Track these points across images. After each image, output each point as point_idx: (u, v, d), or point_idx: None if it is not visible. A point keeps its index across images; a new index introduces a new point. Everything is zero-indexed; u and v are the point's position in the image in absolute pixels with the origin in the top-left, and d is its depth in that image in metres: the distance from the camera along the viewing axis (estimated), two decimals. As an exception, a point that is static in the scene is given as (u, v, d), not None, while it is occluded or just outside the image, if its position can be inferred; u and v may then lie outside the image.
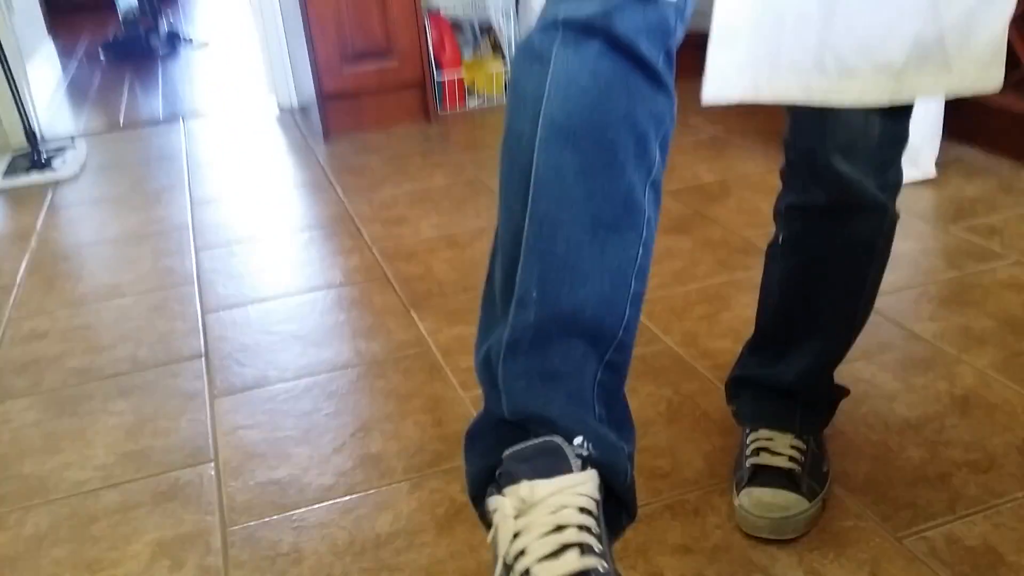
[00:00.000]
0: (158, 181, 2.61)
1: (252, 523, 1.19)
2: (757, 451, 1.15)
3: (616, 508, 0.75)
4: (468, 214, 2.20)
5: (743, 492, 1.11)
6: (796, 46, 0.86)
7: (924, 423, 1.28)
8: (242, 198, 2.43)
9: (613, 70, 0.70)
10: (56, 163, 2.75)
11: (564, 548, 0.65)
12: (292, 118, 3.18)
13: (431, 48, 2.94)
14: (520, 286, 0.72)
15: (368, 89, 2.87)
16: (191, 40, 4.65)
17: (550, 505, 0.67)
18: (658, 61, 0.72)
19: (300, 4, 2.69)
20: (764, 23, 0.85)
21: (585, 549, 0.65)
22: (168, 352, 1.65)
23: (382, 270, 1.93)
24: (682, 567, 1.06)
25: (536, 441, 0.70)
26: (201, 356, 1.63)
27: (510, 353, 0.72)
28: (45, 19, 4.37)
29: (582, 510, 0.67)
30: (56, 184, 2.65)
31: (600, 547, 0.67)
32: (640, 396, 1.40)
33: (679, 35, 0.75)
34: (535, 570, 0.65)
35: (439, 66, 2.99)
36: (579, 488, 0.68)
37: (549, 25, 0.72)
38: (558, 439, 0.70)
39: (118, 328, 1.76)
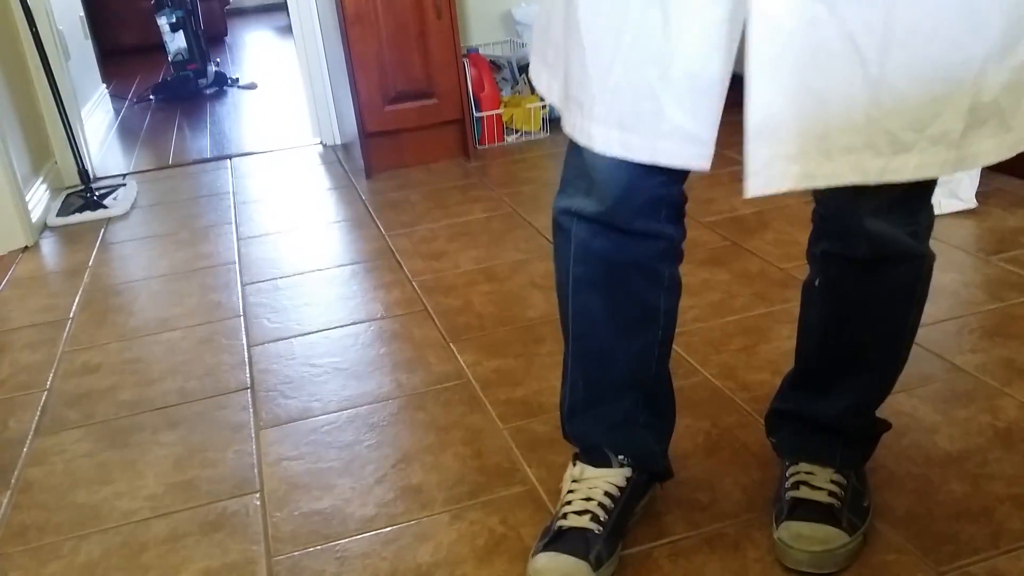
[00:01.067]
0: (206, 218, 2.69)
1: (296, 553, 1.22)
2: (797, 484, 1.15)
3: (652, 478, 1.21)
4: (507, 247, 2.23)
5: (782, 525, 1.11)
6: (846, 129, 0.82)
7: (966, 456, 1.27)
8: (287, 234, 2.49)
9: (616, 241, 1.03)
10: (108, 201, 2.85)
11: (585, 512, 1.12)
12: (335, 155, 3.26)
13: (470, 87, 3.00)
14: (570, 377, 1.16)
15: (409, 127, 2.93)
16: (238, 81, 4.78)
17: (590, 483, 1.15)
18: (653, 227, 1.03)
19: (343, 47, 2.77)
20: (807, 111, 0.82)
21: (594, 517, 1.11)
22: (216, 384, 1.69)
23: (422, 303, 1.96)
24: (721, 600, 1.06)
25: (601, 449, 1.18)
26: (247, 388, 1.67)
27: (569, 417, 1.19)
28: (99, 63, 4.53)
29: (606, 493, 1.14)
30: (108, 221, 2.74)
31: (605, 517, 1.11)
32: (678, 429, 1.40)
33: (676, 190, 1.02)
34: (567, 514, 1.13)
35: (478, 104, 3.05)
36: (610, 479, 1.15)
37: (567, 210, 1.06)
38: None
39: (167, 361, 1.81)
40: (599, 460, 1.16)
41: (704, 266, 1.99)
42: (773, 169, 0.84)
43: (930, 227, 1.04)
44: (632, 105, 0.88)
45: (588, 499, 1.13)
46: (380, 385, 1.64)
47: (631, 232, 1.01)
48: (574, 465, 1.18)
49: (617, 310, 1.07)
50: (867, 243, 1.01)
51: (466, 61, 2.98)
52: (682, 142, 0.88)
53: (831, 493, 1.12)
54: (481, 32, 3.32)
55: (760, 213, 2.26)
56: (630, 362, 1.11)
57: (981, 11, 0.78)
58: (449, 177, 2.85)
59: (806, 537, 1.08)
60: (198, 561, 1.22)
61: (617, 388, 1.13)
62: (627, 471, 1.15)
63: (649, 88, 0.86)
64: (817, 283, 1.12)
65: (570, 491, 1.16)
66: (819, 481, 1.14)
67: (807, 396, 1.18)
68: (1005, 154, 0.85)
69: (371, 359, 1.74)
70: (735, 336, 1.67)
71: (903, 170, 0.84)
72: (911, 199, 0.99)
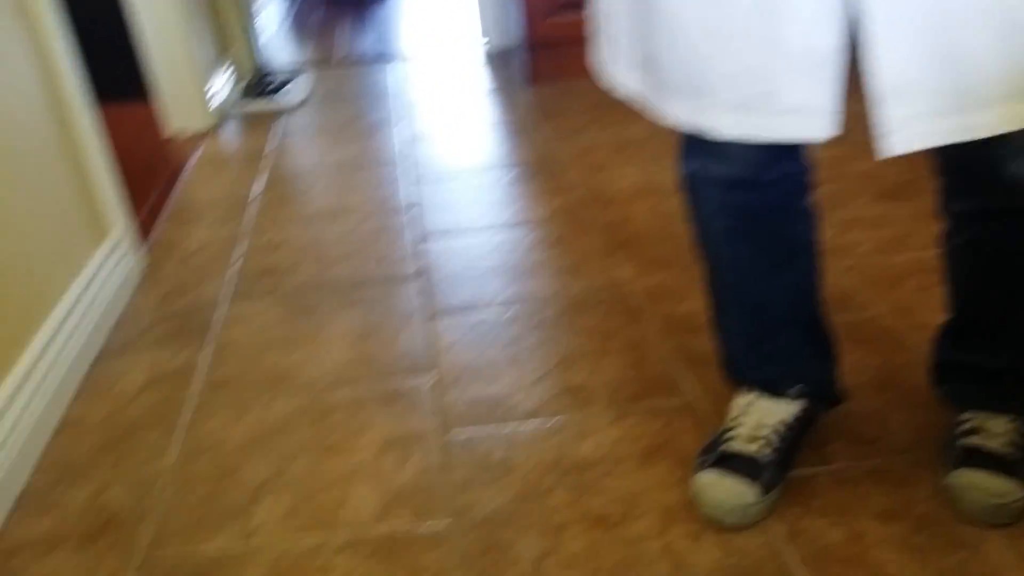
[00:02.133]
0: (375, 114, 2.78)
1: (468, 431, 1.30)
2: (971, 431, 1.12)
3: (824, 404, 1.22)
4: (667, 166, 2.20)
5: (954, 473, 1.09)
6: (986, 81, 0.81)
7: None
8: (451, 136, 2.55)
9: (750, 193, 1.06)
10: (284, 92, 2.98)
11: (755, 439, 1.15)
12: (500, 59, 3.28)
13: None
14: (730, 324, 1.20)
15: (575, 38, 2.90)
16: (403, -19, 4.82)
17: (762, 413, 1.17)
18: (781, 173, 1.06)
19: (520, -50, 2.75)
20: (943, 68, 0.81)
21: (765, 444, 1.14)
22: (389, 271, 1.79)
23: (583, 213, 1.99)
24: (886, 532, 1.07)
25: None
26: (419, 277, 1.76)
27: (734, 361, 1.22)
28: (274, -44, 4.65)
29: (780, 422, 1.16)
30: (284, 111, 2.87)
31: (778, 445, 1.14)
32: (847, 362, 1.39)
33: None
34: (736, 437, 1.16)
35: (648, 17, 2.99)
36: (784, 410, 1.17)
37: (695, 174, 1.10)
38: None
39: (343, 246, 1.92)
40: (773, 392, 1.18)
41: (880, 200, 1.92)
42: (914, 127, 0.83)
43: None
44: (752, 87, 0.88)
45: (760, 426, 1.15)
46: (543, 287, 1.69)
47: (762, 183, 1.05)
48: (746, 392, 1.21)
49: (765, 252, 1.11)
50: (1010, 192, 0.96)
51: (641, -28, 2.91)
52: (805, 117, 0.88)
53: (1008, 443, 1.10)
54: (658, -57, 3.22)
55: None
56: (788, 296, 1.14)
57: None
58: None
59: (981, 488, 1.06)
60: (378, 428, 1.32)
61: (780, 324, 1.16)
62: (802, 402, 1.17)
63: (768, 68, 0.87)
64: (962, 241, 1.09)
65: (739, 416, 1.18)
66: (996, 429, 1.11)
67: (972, 346, 1.15)
68: None
69: (534, 261, 1.79)
70: (912, 274, 1.63)
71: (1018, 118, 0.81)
72: None
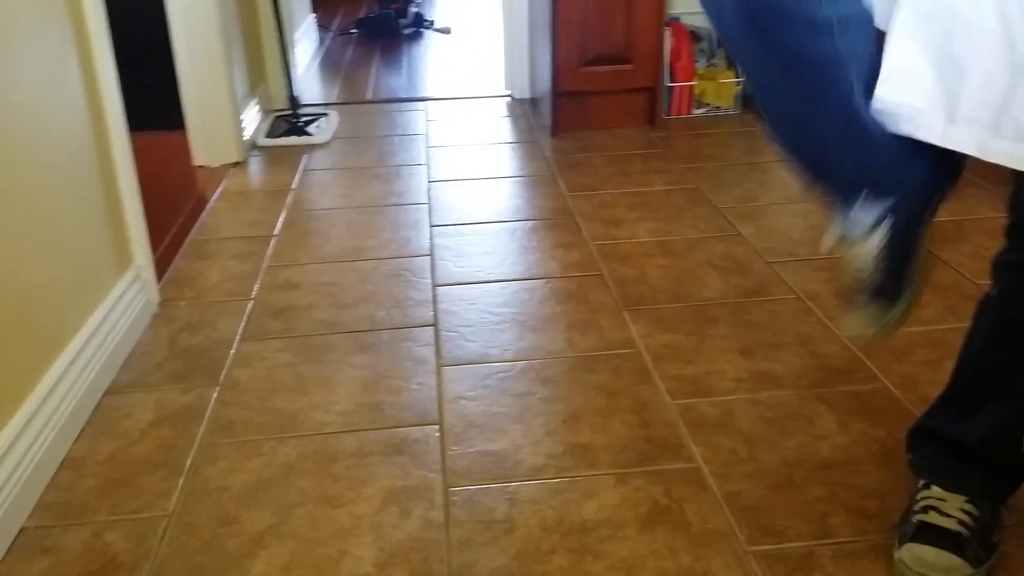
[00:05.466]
0: (399, 156, 2.82)
1: (471, 487, 1.30)
2: (926, 508, 1.14)
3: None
4: (686, 223, 2.23)
5: (905, 547, 1.10)
6: (976, 103, 0.84)
7: None
8: (474, 182, 2.58)
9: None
10: (312, 128, 3.03)
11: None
12: (522, 108, 3.32)
13: (667, 56, 2.98)
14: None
15: (600, 90, 2.95)
16: (434, 24, 4.92)
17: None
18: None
19: (551, 6, 2.80)
20: (944, 74, 0.85)
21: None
22: (403, 317, 1.81)
23: (598, 268, 2.00)
24: (882, 610, 1.07)
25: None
26: (431, 325, 1.77)
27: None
28: (309, -7, 4.76)
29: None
30: (311, 148, 2.92)
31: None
32: (852, 433, 1.40)
33: None
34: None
35: (672, 74, 3.03)
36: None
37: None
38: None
39: (360, 288, 1.94)
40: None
41: (894, 271, 1.92)
42: (898, 113, 0.89)
43: None
44: None
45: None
46: (554, 341, 1.70)
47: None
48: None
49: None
50: None
51: (667, 29, 2.96)
52: None
53: (961, 522, 1.11)
54: (685, 1, 3.27)
55: (959, 223, 2.16)
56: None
57: None
58: (632, 144, 2.86)
59: (928, 562, 1.08)
60: (382, 479, 1.33)
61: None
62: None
63: None
64: (994, 293, 1.11)
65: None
66: (950, 508, 1.12)
67: (955, 415, 1.17)
68: None
69: (547, 315, 1.80)
70: (920, 347, 1.63)
71: (1022, 159, 0.84)
72: None
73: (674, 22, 3.04)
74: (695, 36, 3.12)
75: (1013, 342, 1.09)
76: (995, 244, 1.10)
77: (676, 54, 3.01)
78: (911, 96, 0.87)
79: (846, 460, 1.34)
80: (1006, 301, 1.09)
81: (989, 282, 1.84)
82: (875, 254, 1.03)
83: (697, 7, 3.25)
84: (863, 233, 1.01)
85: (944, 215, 2.17)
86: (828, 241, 1.04)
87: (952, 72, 0.85)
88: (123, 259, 1.77)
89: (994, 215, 2.16)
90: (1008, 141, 0.84)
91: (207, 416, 1.50)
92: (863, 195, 0.97)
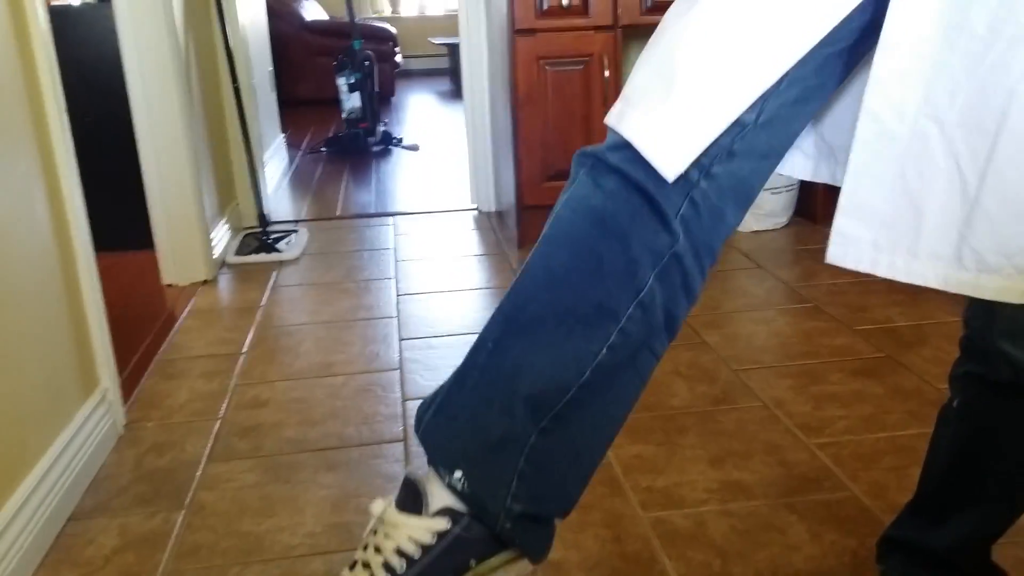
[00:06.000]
0: (368, 271, 2.86)
1: (442, 610, 1.27)
2: None
3: (500, 543, 0.87)
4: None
5: None
6: (936, 237, 0.85)
7: None
8: (442, 295, 2.61)
9: (623, 201, 0.82)
10: (281, 245, 3.07)
11: (366, 566, 0.85)
12: (489, 222, 3.40)
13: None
14: (482, 334, 0.87)
15: (564, 203, 3.03)
16: (402, 141, 5.06)
17: (386, 530, 0.85)
18: (670, 206, 0.81)
19: (512, 126, 2.91)
20: (901, 210, 0.85)
21: None
22: (372, 433, 1.80)
23: (568, 379, 2.02)
24: None
25: (414, 475, 0.87)
26: (401, 441, 1.76)
27: (455, 384, 0.87)
28: (280, 113, 4.90)
29: (399, 551, 0.84)
30: (280, 264, 2.95)
31: None
32: (824, 543, 1.40)
33: (706, 185, 0.82)
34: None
35: (633, 186, 3.13)
36: (412, 531, 0.84)
37: (588, 153, 0.86)
38: (433, 473, 0.85)
39: (328, 405, 1.93)
40: (408, 494, 0.87)
41: (856, 376, 1.96)
42: (860, 249, 0.87)
43: None
44: None
45: (378, 550, 0.86)
46: (525, 455, 1.69)
47: (647, 197, 0.83)
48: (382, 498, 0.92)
49: (575, 285, 0.86)
50: (1004, 367, 1.00)
51: (627, 145, 3.07)
52: None
53: None
54: (643, 118, 3.42)
55: (918, 327, 2.22)
56: (550, 358, 0.86)
57: None
58: (598, 255, 2.93)
59: None
60: (351, 604, 1.29)
61: (520, 385, 0.86)
62: (440, 521, 0.85)
63: None
64: (955, 403, 1.12)
65: (369, 532, 0.90)
66: None
67: (923, 524, 1.17)
68: None
69: (517, 428, 1.80)
70: (887, 454, 1.65)
71: (985, 289, 0.84)
72: None
73: (633, 138, 3.16)
74: (654, 151, 3.23)
75: (976, 452, 1.10)
76: (955, 349, 1.13)
77: (636, 168, 3.12)
78: (871, 232, 0.87)
79: (819, 571, 1.34)
80: (968, 413, 1.10)
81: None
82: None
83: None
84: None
85: (904, 320, 2.24)
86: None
87: (909, 208, 0.85)
88: (89, 381, 1.76)
89: (953, 319, 2.23)
90: (970, 273, 0.84)
91: (172, 541, 1.46)
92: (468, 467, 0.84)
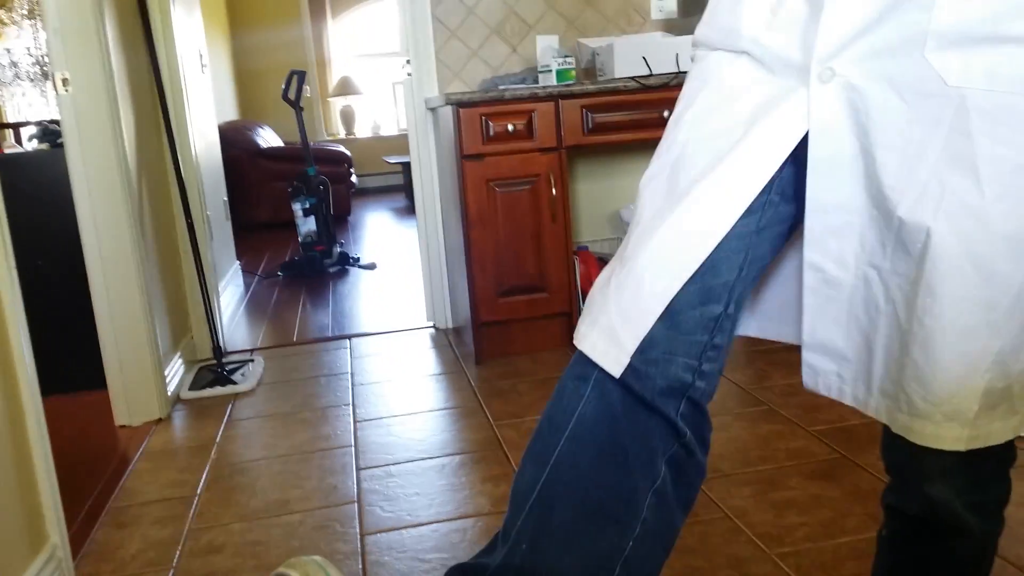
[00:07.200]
0: (325, 398, 2.84)
1: None
2: None
3: None
4: (612, 446, 2.27)
5: None
6: (882, 375, 0.89)
7: None
8: (400, 419, 2.60)
9: (631, 409, 0.91)
10: (236, 376, 3.05)
11: None
12: (447, 339, 3.41)
13: (579, 282, 3.15)
14: (516, 535, 0.92)
15: (518, 318, 3.08)
16: (359, 261, 5.11)
17: None
18: (670, 409, 0.90)
19: (464, 245, 2.97)
20: (858, 347, 0.90)
21: None
22: (330, 575, 1.75)
23: (529, 501, 2.00)
24: None
25: None
26: (360, 581, 1.72)
27: None
28: (235, 239, 4.93)
29: None
30: (235, 396, 2.92)
31: None
32: (791, 661, 1.38)
33: (701, 384, 0.91)
34: None
35: (585, 297, 3.18)
36: None
37: (592, 364, 0.92)
38: None
39: (285, 546, 1.89)
40: None
41: (814, 480, 1.97)
42: (828, 379, 0.94)
43: (1004, 501, 1.01)
44: None
45: None
46: (487, 586, 1.66)
47: (647, 404, 0.94)
48: None
49: (604, 482, 0.94)
50: (922, 505, 1.00)
51: (575, 258, 3.14)
52: None
53: None
54: (590, 230, 3.51)
55: (870, 425, 2.25)
56: (583, 559, 0.93)
57: (1000, 308, 0.82)
58: (555, 367, 2.95)
59: None
60: None
61: None
62: None
63: None
64: (884, 532, 1.12)
65: None
66: None
67: None
68: (1011, 435, 0.88)
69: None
70: (847, 560, 1.64)
71: (920, 434, 0.86)
72: (978, 467, 0.95)
73: (582, 251, 3.24)
74: (602, 261, 3.31)
75: None
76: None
77: (586, 279, 3.19)
78: (836, 365, 0.92)
79: None
80: (897, 545, 1.10)
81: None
82: None
83: (602, 235, 3.49)
84: None
85: (857, 418, 2.27)
86: None
87: (863, 345, 0.90)
88: (37, 539, 1.71)
89: (900, 414, 2.26)
90: (906, 415, 0.86)
91: None
92: None
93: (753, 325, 1.07)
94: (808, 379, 0.95)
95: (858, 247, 0.88)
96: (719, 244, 0.88)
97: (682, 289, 0.88)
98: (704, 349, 0.90)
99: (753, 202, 0.89)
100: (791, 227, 0.95)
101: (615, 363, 0.89)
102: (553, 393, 0.97)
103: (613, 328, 0.89)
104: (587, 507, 0.90)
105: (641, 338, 0.88)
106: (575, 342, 0.95)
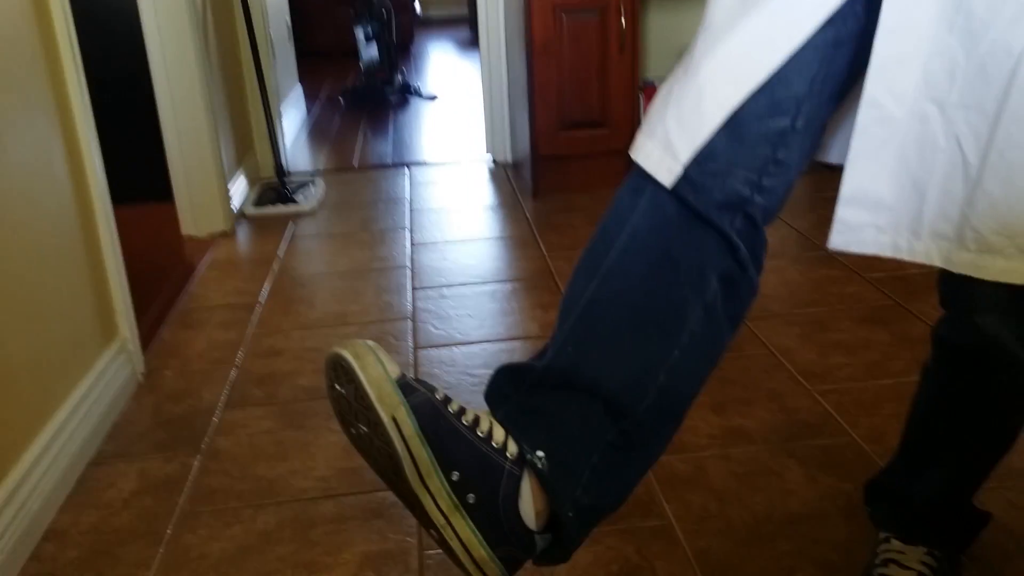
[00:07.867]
0: (384, 221, 2.89)
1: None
2: (887, 561, 1.16)
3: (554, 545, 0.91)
4: (663, 282, 2.28)
5: None
6: (938, 217, 0.86)
7: None
8: (455, 244, 2.64)
9: (686, 222, 0.88)
10: (298, 196, 3.10)
11: None
12: (504, 172, 3.40)
13: (642, 119, 3.07)
14: (563, 340, 0.91)
15: (578, 154, 3.03)
16: (421, 92, 5.04)
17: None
18: (725, 223, 0.87)
19: (527, 75, 2.90)
20: (905, 193, 0.87)
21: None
22: (382, 382, 1.84)
23: (577, 328, 2.04)
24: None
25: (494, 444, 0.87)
26: (410, 390, 1.80)
27: (539, 385, 0.91)
28: (297, 64, 4.89)
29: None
30: (297, 215, 2.98)
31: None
32: (820, 487, 1.43)
33: (760, 199, 0.88)
34: None
35: (649, 135, 3.11)
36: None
37: (648, 177, 0.89)
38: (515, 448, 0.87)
39: (341, 354, 1.97)
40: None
41: (863, 323, 1.97)
42: (863, 234, 0.89)
43: None
44: None
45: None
46: (531, 403, 1.73)
47: (704, 218, 0.91)
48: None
49: (654, 291, 0.92)
50: (975, 336, 1.00)
51: (641, 94, 3.05)
52: None
53: (920, 574, 1.13)
54: (659, 64, 3.38)
55: (928, 275, 2.20)
56: (627, 366, 0.92)
57: None
58: (613, 205, 2.93)
59: None
60: (359, 544, 1.35)
61: (599, 391, 0.91)
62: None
63: None
64: (930, 364, 1.13)
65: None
66: (910, 560, 1.14)
67: (907, 471, 1.19)
68: None
69: (525, 376, 1.84)
70: (888, 401, 1.66)
71: (988, 269, 0.84)
72: None
73: (648, 86, 3.14)
74: (670, 99, 3.21)
75: (954, 413, 1.11)
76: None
77: (652, 117, 3.10)
78: (873, 216, 0.89)
79: (814, 514, 1.37)
80: (943, 375, 1.11)
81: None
82: None
83: (670, 71, 3.36)
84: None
85: (915, 267, 2.23)
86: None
87: (912, 190, 0.86)
88: (108, 331, 1.81)
89: (962, 267, 2.21)
90: (971, 253, 0.85)
91: (188, 485, 1.52)
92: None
93: (835, 152, 1.03)
94: (838, 238, 0.91)
95: (920, 79, 0.83)
96: (793, 54, 0.84)
97: (748, 99, 0.84)
98: (766, 163, 0.86)
99: (835, 12, 0.84)
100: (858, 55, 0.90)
101: (668, 172, 0.87)
102: (608, 208, 0.96)
103: (669, 137, 0.87)
104: (636, 316, 0.90)
105: (697, 147, 0.85)
106: (630, 153, 0.93)
